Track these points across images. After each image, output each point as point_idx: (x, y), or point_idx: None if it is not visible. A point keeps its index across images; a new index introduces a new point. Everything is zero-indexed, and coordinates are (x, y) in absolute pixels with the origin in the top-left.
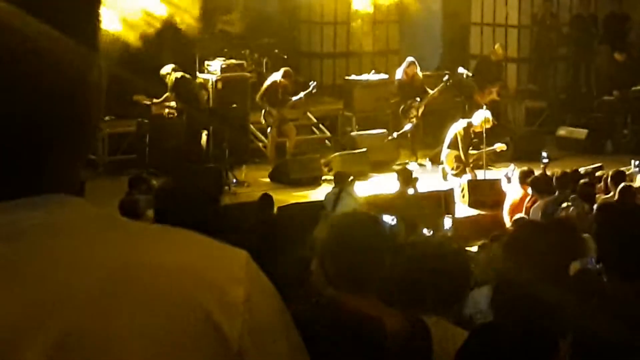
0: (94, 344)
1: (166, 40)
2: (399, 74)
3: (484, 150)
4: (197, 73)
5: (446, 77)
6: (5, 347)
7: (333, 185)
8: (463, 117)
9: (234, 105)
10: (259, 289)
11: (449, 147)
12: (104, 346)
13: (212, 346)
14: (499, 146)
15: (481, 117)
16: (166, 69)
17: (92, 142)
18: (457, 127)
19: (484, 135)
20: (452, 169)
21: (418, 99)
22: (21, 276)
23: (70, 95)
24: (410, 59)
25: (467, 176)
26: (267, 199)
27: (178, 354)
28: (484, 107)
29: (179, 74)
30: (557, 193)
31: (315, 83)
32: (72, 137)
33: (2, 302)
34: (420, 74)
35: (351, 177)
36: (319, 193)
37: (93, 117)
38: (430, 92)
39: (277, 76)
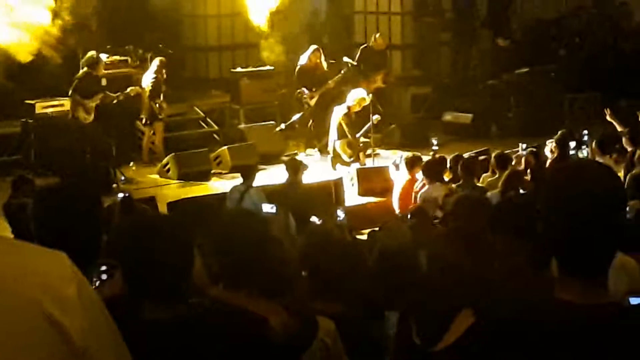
0: None
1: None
2: (303, 59)
3: (366, 134)
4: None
5: (344, 70)
6: None
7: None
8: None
9: (115, 101)
10: (85, 286)
11: (339, 138)
12: None
13: (55, 343)
14: (375, 117)
15: (356, 97)
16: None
17: None
18: (337, 116)
19: (372, 124)
20: (349, 156)
21: (305, 89)
22: None
23: None
24: (314, 46)
25: (356, 165)
26: (126, 202)
27: (21, 353)
28: (370, 95)
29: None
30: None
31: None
32: None
33: None
34: (324, 63)
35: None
36: (209, 187)
37: None
38: (328, 82)
39: (154, 70)
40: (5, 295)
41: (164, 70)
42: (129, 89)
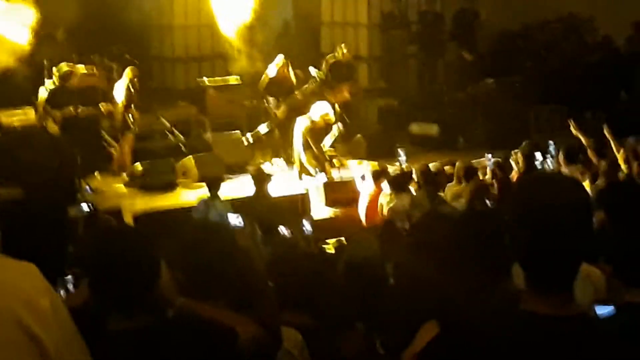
0: None
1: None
2: (270, 70)
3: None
4: (45, 80)
5: (311, 81)
6: None
7: (207, 191)
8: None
9: (77, 111)
10: (56, 298)
11: (303, 150)
12: None
13: (32, 355)
14: (339, 127)
15: (321, 112)
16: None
17: None
18: (301, 128)
19: (336, 133)
20: (315, 167)
21: (271, 99)
22: None
23: None
24: (281, 56)
25: (323, 176)
26: (91, 212)
27: None
28: (337, 106)
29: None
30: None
31: None
32: None
33: None
34: (292, 74)
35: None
36: (175, 198)
37: None
38: (296, 94)
39: (125, 81)
40: None
41: (136, 81)
42: (100, 105)
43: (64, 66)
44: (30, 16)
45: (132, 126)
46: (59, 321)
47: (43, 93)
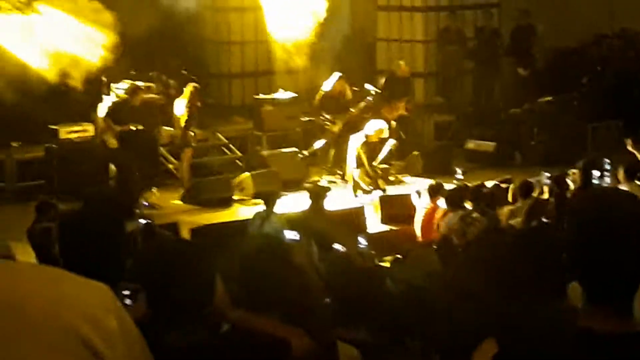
0: None
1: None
2: (326, 86)
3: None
4: (104, 96)
5: (369, 98)
6: None
7: (262, 206)
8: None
9: (140, 127)
10: (125, 317)
11: (357, 167)
12: None
13: None
14: (392, 143)
15: (375, 128)
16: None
17: None
18: (356, 144)
19: (392, 149)
20: (368, 185)
21: (327, 116)
22: None
23: None
24: (338, 73)
25: (378, 192)
26: (149, 227)
27: None
28: (393, 122)
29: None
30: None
31: None
32: None
33: None
34: (348, 90)
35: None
36: (232, 214)
37: None
38: (352, 110)
39: (188, 97)
40: (44, 321)
41: (197, 97)
42: (162, 129)
43: (129, 83)
44: (105, 38)
45: (192, 143)
46: (126, 340)
47: (104, 107)
